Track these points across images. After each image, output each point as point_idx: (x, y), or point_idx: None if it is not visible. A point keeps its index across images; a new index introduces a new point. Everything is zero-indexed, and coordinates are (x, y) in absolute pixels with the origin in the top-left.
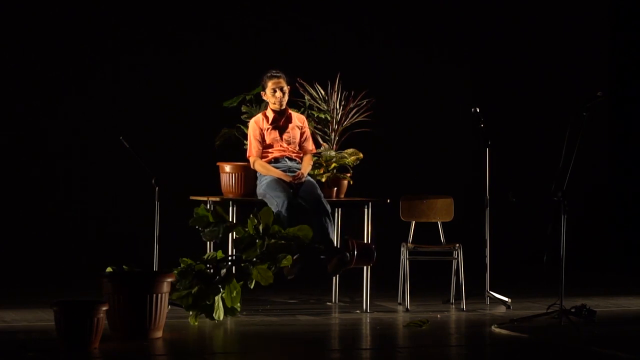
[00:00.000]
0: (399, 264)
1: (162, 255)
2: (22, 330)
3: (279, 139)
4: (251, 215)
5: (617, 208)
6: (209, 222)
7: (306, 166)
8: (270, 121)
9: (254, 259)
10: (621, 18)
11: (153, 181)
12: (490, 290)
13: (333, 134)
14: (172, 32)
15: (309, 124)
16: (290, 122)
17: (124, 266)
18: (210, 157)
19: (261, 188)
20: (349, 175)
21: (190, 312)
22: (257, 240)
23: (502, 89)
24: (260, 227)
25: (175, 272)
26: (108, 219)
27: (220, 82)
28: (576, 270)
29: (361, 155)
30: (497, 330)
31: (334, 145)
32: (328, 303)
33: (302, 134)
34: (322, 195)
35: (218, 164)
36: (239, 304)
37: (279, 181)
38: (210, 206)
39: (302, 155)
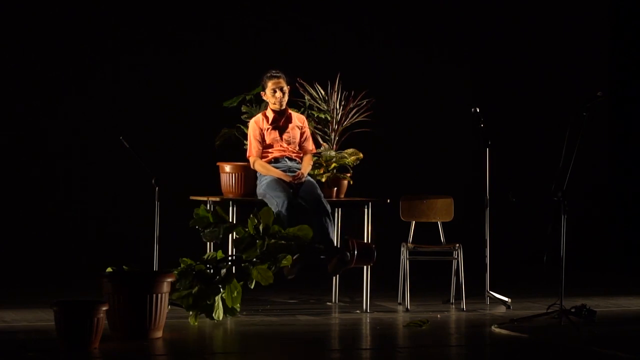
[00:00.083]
0: (399, 264)
1: (162, 255)
2: (22, 330)
3: (279, 139)
4: (251, 215)
5: (617, 208)
6: (209, 222)
7: (306, 166)
8: (270, 121)
9: (254, 259)
10: (621, 18)
11: (153, 181)
12: (490, 290)
13: (333, 134)
14: (172, 32)
15: (309, 124)
16: (290, 122)
17: (124, 266)
18: (210, 157)
19: (261, 188)
20: (349, 175)
21: (190, 312)
22: (257, 241)
23: (502, 89)
24: (260, 227)
25: (175, 272)
26: (108, 219)
27: (220, 82)
28: (576, 270)
29: (361, 155)
30: (497, 330)
31: (334, 145)
32: (328, 303)
33: (302, 134)
34: (322, 195)
35: (218, 164)
36: (239, 305)
37: (279, 181)
38: (210, 206)
39: (302, 155)
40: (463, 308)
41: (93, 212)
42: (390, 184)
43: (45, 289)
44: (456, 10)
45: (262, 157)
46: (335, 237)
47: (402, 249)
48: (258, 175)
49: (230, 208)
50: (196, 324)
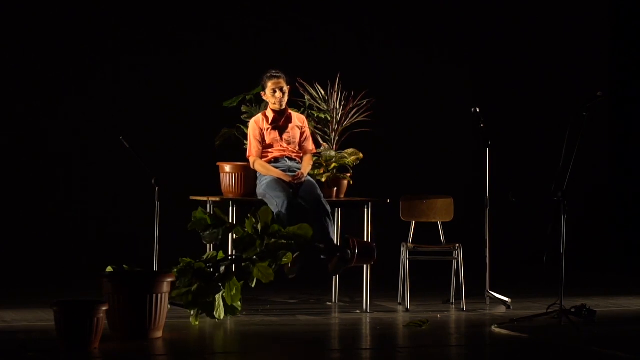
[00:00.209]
0: (399, 264)
1: (162, 255)
2: (22, 330)
3: (278, 139)
4: (249, 215)
5: (617, 208)
6: (208, 225)
7: (306, 166)
8: (270, 121)
9: (254, 257)
10: (621, 18)
11: (153, 181)
12: (490, 290)
13: (333, 134)
14: (172, 32)
15: (309, 124)
16: (290, 122)
17: (124, 266)
18: (210, 157)
19: (261, 188)
20: (349, 175)
21: (192, 312)
22: (257, 240)
23: (502, 89)
24: (259, 226)
25: (175, 270)
26: (108, 219)
27: (220, 82)
28: (576, 270)
29: (361, 155)
30: (497, 330)
31: (334, 145)
32: (328, 303)
33: (302, 134)
34: (322, 195)
35: (218, 164)
36: (239, 303)
37: (278, 181)
38: (210, 207)
39: (302, 155)
40: (463, 308)
41: (93, 212)
42: (390, 184)
43: (45, 289)
44: (456, 10)
45: (262, 157)
46: (335, 237)
47: (402, 249)
48: (258, 175)
49: (230, 208)
50: (197, 323)
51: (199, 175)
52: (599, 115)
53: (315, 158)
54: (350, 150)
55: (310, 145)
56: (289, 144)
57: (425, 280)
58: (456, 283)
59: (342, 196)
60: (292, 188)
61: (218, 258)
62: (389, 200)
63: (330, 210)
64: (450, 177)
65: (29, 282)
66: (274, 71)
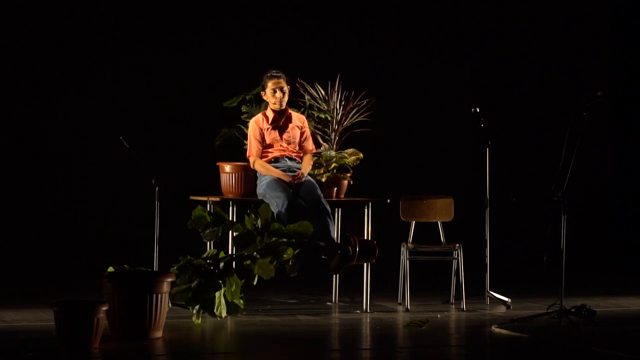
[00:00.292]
0: (399, 264)
1: (162, 255)
2: (22, 330)
3: (278, 139)
4: (248, 211)
5: (617, 208)
6: (208, 223)
7: (306, 166)
8: (270, 121)
9: (255, 254)
10: (621, 18)
11: (153, 181)
12: (490, 290)
13: (333, 134)
14: (172, 32)
15: (309, 124)
16: (290, 122)
17: (125, 265)
18: (210, 157)
19: (261, 188)
20: (349, 175)
21: (193, 311)
22: (257, 237)
23: (502, 89)
24: (259, 222)
25: (175, 266)
26: (108, 219)
27: (220, 82)
28: (576, 270)
29: (361, 155)
30: (497, 330)
31: (334, 145)
32: (328, 303)
33: (302, 134)
34: (322, 195)
35: (218, 164)
36: (241, 301)
37: (278, 181)
38: (210, 207)
39: (302, 155)
40: (463, 308)
41: (93, 212)
42: (390, 184)
43: (45, 289)
44: (456, 10)
45: (262, 157)
46: (336, 236)
47: (402, 249)
48: (258, 175)
49: (230, 208)
50: (199, 321)
51: (199, 175)
52: (599, 115)
53: (315, 158)
54: (350, 150)
55: (310, 145)
56: (289, 143)
57: (425, 280)
58: (456, 283)
59: (342, 196)
60: (292, 188)
61: (220, 257)
62: (389, 200)
63: (330, 210)
64: (450, 177)
65: (29, 282)
66: (274, 71)
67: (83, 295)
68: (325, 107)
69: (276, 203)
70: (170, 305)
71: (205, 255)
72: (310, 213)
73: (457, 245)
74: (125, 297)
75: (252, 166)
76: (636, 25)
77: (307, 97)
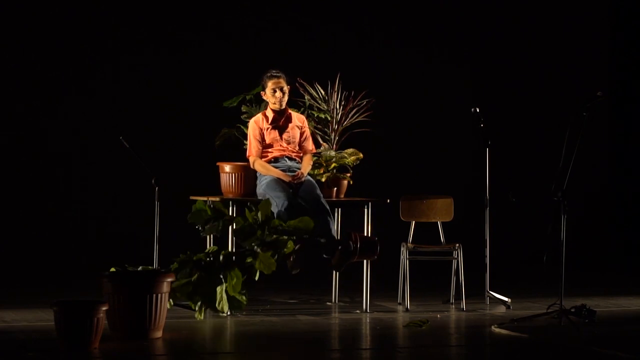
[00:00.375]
0: (399, 264)
1: (162, 255)
2: (22, 330)
3: (278, 139)
4: (249, 203)
5: (617, 208)
6: (208, 217)
7: (306, 166)
8: (270, 121)
9: (255, 248)
10: (621, 18)
11: (153, 181)
12: (490, 290)
13: (333, 134)
14: (172, 32)
15: (309, 124)
16: (290, 121)
17: (126, 265)
18: (210, 157)
19: (261, 188)
20: (349, 175)
21: (196, 308)
22: (258, 230)
23: (502, 89)
24: (259, 215)
25: (175, 261)
26: (108, 219)
27: (220, 82)
28: (576, 270)
29: (361, 155)
30: (497, 330)
31: (334, 145)
32: (328, 303)
33: (301, 134)
34: (321, 195)
35: (218, 164)
36: (244, 297)
37: (278, 181)
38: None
39: (302, 155)
40: (463, 308)
41: (93, 212)
42: (390, 184)
43: (45, 289)
44: (456, 10)
45: (261, 157)
46: (336, 234)
47: (402, 249)
48: (258, 175)
49: (230, 208)
50: (201, 317)
51: (199, 175)
52: (599, 115)
53: (315, 158)
54: (350, 150)
55: (310, 145)
56: (288, 143)
57: (425, 280)
58: (456, 283)
59: (342, 196)
60: (292, 188)
61: (220, 252)
62: (389, 200)
63: (330, 210)
64: (450, 177)
65: (29, 282)
66: (274, 71)
67: (83, 295)
68: (325, 107)
69: (276, 203)
70: (172, 303)
71: (205, 251)
72: (310, 213)
73: (457, 245)
74: (125, 297)
75: (251, 166)
76: (636, 25)
77: (307, 97)
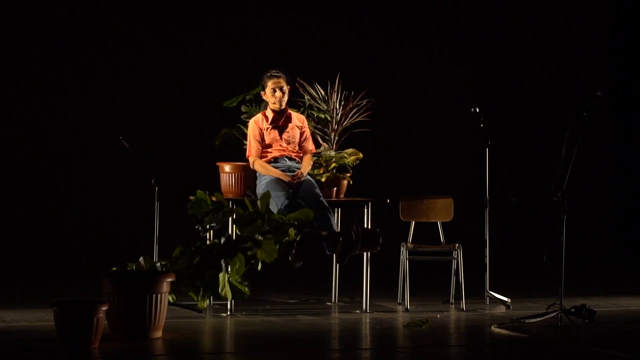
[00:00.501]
0: (399, 264)
1: (162, 255)
2: (22, 330)
3: (278, 139)
4: (248, 192)
5: (617, 208)
6: (209, 209)
7: (306, 166)
8: (269, 121)
9: (257, 236)
10: (621, 18)
11: (153, 181)
12: (490, 290)
13: (333, 134)
14: (172, 32)
15: (308, 124)
16: (290, 121)
17: (128, 264)
18: (210, 157)
19: (261, 188)
20: (348, 175)
21: (199, 297)
22: (258, 219)
23: (502, 89)
24: (259, 204)
25: (178, 246)
26: (108, 219)
27: (220, 82)
28: (576, 270)
29: (361, 155)
30: (497, 330)
31: (334, 145)
32: (328, 303)
33: (301, 134)
34: (321, 194)
35: (218, 164)
36: (247, 288)
37: (278, 181)
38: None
39: (301, 155)
40: (463, 308)
41: (93, 212)
42: (390, 184)
43: (45, 289)
44: (456, 10)
45: (261, 157)
46: (337, 229)
47: (402, 249)
48: (257, 175)
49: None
50: (204, 305)
51: (199, 175)
52: (599, 115)
53: (315, 158)
54: (350, 150)
55: (310, 145)
56: (288, 143)
57: (425, 280)
58: (456, 283)
59: (342, 196)
60: (292, 188)
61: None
62: (389, 200)
63: (329, 208)
64: (450, 177)
65: (29, 282)
66: (274, 71)
67: (83, 295)
68: (325, 107)
69: (276, 202)
70: (174, 298)
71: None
72: None
73: (457, 245)
74: (125, 297)
75: (251, 166)
76: (636, 25)
77: (306, 97)
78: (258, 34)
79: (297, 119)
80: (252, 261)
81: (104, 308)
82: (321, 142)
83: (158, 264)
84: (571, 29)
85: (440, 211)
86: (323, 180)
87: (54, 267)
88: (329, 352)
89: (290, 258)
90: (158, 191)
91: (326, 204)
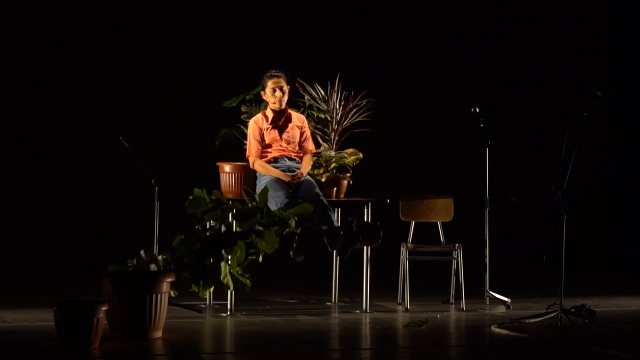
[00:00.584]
0: (399, 264)
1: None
2: (22, 330)
3: (278, 139)
4: (245, 187)
5: (617, 208)
6: (208, 207)
7: (305, 166)
8: (269, 121)
9: (258, 227)
10: (621, 18)
11: (153, 181)
12: (490, 290)
13: (333, 134)
14: (172, 32)
15: (308, 124)
16: (290, 121)
17: (128, 262)
18: (210, 157)
19: (261, 188)
20: (348, 175)
21: (199, 288)
22: (257, 214)
23: (502, 89)
24: (257, 198)
25: (179, 236)
26: (108, 218)
27: (220, 82)
28: (576, 270)
29: (361, 155)
30: (497, 330)
31: (334, 145)
32: (328, 303)
33: (301, 134)
34: (320, 194)
35: (218, 164)
36: (248, 281)
37: (278, 181)
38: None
39: (301, 155)
40: (463, 308)
41: (93, 212)
42: (390, 184)
43: (45, 289)
44: (456, 10)
45: (261, 157)
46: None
47: (402, 249)
48: (257, 175)
49: None
50: (205, 295)
51: (199, 175)
52: (599, 115)
53: (315, 158)
54: (350, 150)
55: (310, 145)
56: (288, 143)
57: (425, 280)
58: (456, 283)
59: (342, 196)
60: (292, 188)
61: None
62: (389, 200)
63: (329, 206)
64: (450, 177)
65: (29, 282)
66: (274, 71)
67: (83, 295)
68: (325, 107)
69: (275, 202)
70: (174, 293)
71: None
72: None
73: (457, 245)
74: (125, 297)
75: (251, 166)
76: (636, 25)
77: (306, 97)
78: (258, 34)
79: (297, 119)
80: (252, 250)
81: (104, 308)
82: (321, 142)
83: (160, 257)
84: (571, 29)
85: (440, 211)
86: (323, 180)
87: (54, 267)
88: (329, 352)
89: (291, 252)
90: (158, 191)
91: (326, 203)
